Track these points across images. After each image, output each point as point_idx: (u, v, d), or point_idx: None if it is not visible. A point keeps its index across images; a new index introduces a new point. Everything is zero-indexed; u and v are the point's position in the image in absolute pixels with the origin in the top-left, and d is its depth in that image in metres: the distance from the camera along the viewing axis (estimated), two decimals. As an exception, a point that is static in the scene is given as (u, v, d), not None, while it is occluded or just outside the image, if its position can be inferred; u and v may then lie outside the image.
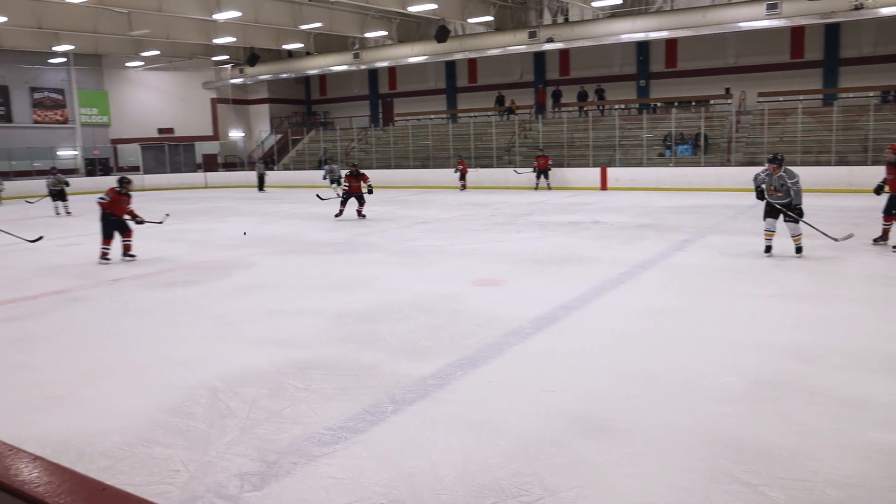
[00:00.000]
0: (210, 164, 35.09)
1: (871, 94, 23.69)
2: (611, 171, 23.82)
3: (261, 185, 28.63)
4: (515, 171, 24.62)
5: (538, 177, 23.82)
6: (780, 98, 24.64)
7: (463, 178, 25.72)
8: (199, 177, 32.72)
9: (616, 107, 28.38)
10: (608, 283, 8.14)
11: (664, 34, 23.74)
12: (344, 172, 16.79)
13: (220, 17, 23.62)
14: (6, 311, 7.59)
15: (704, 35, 23.58)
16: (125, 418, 4.38)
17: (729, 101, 25.75)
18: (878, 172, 10.56)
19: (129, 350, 5.93)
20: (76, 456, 3.83)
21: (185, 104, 35.36)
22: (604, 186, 23.55)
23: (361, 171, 15.98)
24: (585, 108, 28.60)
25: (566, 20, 26.44)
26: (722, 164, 23.01)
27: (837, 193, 19.20)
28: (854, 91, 24.35)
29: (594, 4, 23.20)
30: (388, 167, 29.74)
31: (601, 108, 28.52)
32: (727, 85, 26.13)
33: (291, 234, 13.80)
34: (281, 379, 4.97)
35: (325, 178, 23.65)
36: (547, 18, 27.17)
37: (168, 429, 4.20)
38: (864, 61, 24.59)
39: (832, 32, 24.75)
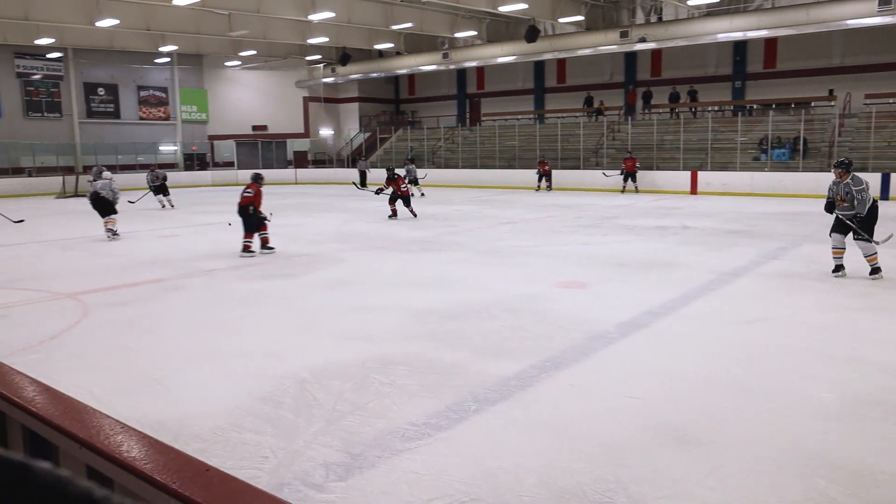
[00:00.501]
0: (300, 160, 36.06)
1: None
2: (702, 174, 23.10)
3: (363, 182, 28.85)
4: (604, 174, 24.04)
5: (625, 179, 23.24)
6: (891, 100, 23.28)
7: (545, 178, 25.46)
8: (289, 173, 33.67)
9: (709, 108, 27.51)
10: (697, 290, 7.91)
11: (763, 33, 22.80)
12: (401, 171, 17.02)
13: (314, 17, 24.22)
14: (110, 297, 8.02)
15: (807, 34, 22.52)
16: (218, 404, 4.56)
17: (832, 103, 24.52)
18: None
19: (223, 338, 6.16)
20: (172, 437, 4.01)
21: (278, 102, 36.46)
22: (694, 191, 22.88)
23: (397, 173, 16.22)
24: (677, 110, 27.86)
25: (660, 19, 25.82)
26: (822, 170, 21.92)
27: (950, 203, 18.00)
28: (972, 94, 22.79)
29: (690, 3, 22.53)
30: (474, 167, 29.80)
31: (693, 109, 27.70)
32: (830, 86, 24.90)
33: (378, 230, 14.02)
34: (366, 373, 5.06)
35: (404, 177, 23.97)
36: (639, 18, 26.59)
37: (258, 416, 4.35)
38: (984, 62, 22.97)
39: (949, 31, 23.22)
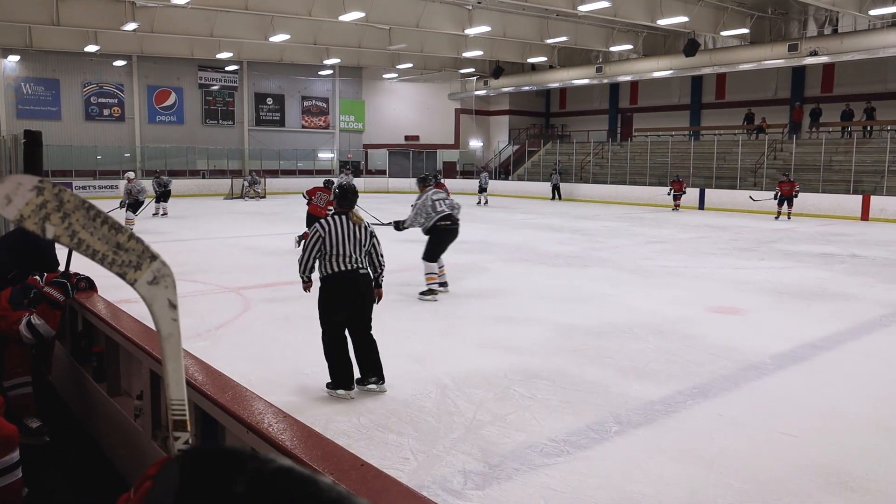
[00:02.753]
0: (449, 170, 36.77)
1: None
2: (875, 199, 21.24)
3: (557, 194, 29.04)
4: (751, 198, 22.31)
5: (780, 204, 20.76)
6: None
7: (678, 197, 24.21)
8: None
9: (888, 128, 25.30)
10: (866, 324, 7.29)
11: (958, 46, 20.68)
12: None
13: (471, 31, 24.69)
14: (270, 293, 8.56)
15: None
16: (364, 402, 4.74)
17: None
18: None
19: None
20: (321, 431, 4.20)
21: (430, 113, 37.44)
22: (865, 216, 21.08)
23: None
24: (850, 129, 25.83)
25: (834, 31, 24.09)
26: None
27: None
28: None
29: (871, 13, 20.86)
30: (623, 183, 29.11)
31: (869, 128, 25.56)
32: None
33: (524, 242, 14.03)
34: (507, 384, 5.08)
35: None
36: (811, 29, 24.96)
37: (401, 418, 4.48)
38: None
39: None
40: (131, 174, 16.28)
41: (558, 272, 10.46)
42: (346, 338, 4.89)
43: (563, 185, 29.46)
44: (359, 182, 33.96)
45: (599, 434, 4.23)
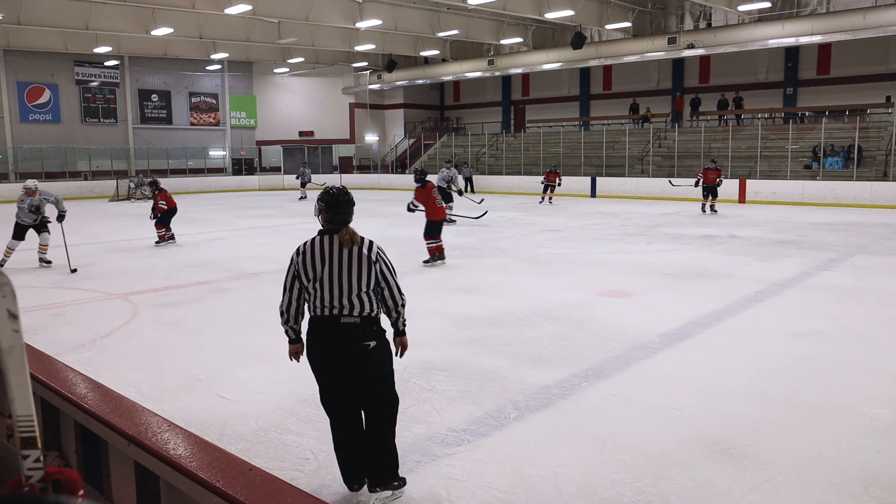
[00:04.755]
0: (346, 166, 36.44)
1: None
2: (750, 183, 22.63)
3: (471, 189, 28.04)
4: (671, 182, 21.54)
5: (706, 196, 18.62)
6: (950, 108, 22.54)
7: (549, 188, 22.59)
8: (334, 178, 34.07)
9: (759, 116, 26.97)
10: (744, 301, 7.76)
11: (817, 39, 22.25)
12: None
13: (362, 25, 24.50)
14: (159, 298, 8.22)
15: (863, 39, 21.92)
16: (261, 405, 4.64)
17: (889, 110, 23.82)
18: None
19: (267, 340, 6.26)
20: (216, 437, 4.09)
21: (324, 108, 36.94)
22: (742, 199, 22.43)
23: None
24: (725, 117, 27.38)
25: (709, 25, 25.44)
26: (877, 179, 21.33)
27: None
28: None
29: (740, 8, 22.16)
30: (518, 173, 29.72)
31: (741, 117, 27.19)
32: (888, 93, 24.20)
33: (420, 236, 14.05)
34: (406, 377, 5.09)
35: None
36: (688, 24, 26.25)
37: (300, 418, 4.41)
38: None
39: None
40: (33, 182, 10.52)
41: (454, 263, 10.56)
42: (350, 424, 3.44)
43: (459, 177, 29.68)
44: (252, 180, 33.13)
45: (498, 421, 4.30)
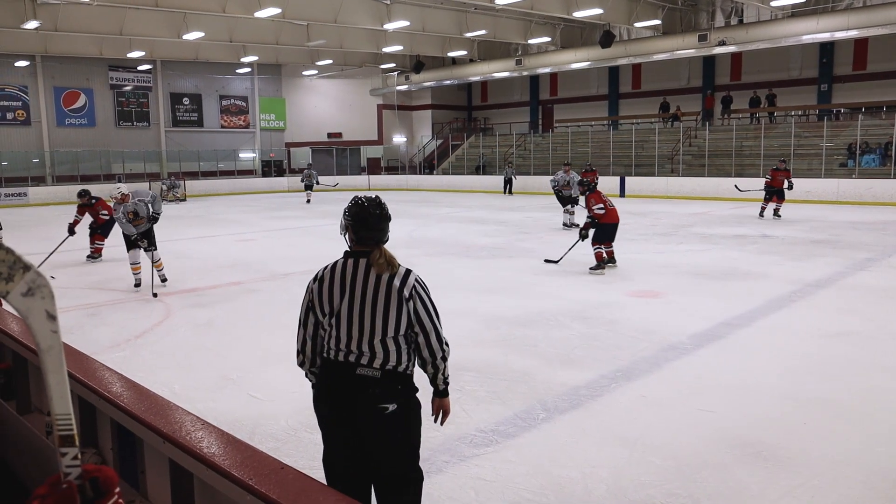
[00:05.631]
0: (373, 167, 36.63)
1: None
2: (739, 181, 22.16)
3: (509, 189, 28.25)
4: (737, 187, 19.07)
5: (770, 198, 16.58)
6: None
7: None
8: (363, 179, 34.26)
9: (792, 113, 26.53)
10: (777, 301, 7.64)
11: (853, 34, 21.79)
12: None
13: (390, 26, 24.60)
14: (192, 298, 8.34)
15: (900, 34, 21.43)
16: (291, 404, 4.68)
17: (926, 106, 23.28)
18: None
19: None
20: (248, 436, 4.14)
21: (352, 110, 37.17)
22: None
23: None
24: (757, 115, 26.99)
25: (740, 21, 25.08)
26: (915, 177, 20.86)
27: None
28: None
29: (773, 4, 21.79)
30: (546, 173, 29.56)
31: (773, 114, 26.77)
32: (925, 89, 23.66)
33: (449, 236, 14.09)
34: (435, 378, 5.10)
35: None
36: (719, 20, 25.90)
37: (330, 418, 4.44)
38: None
39: None
40: (118, 190, 8.83)
41: (483, 264, 10.56)
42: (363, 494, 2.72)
43: (485, 178, 29.66)
44: (282, 181, 33.39)
45: (527, 422, 4.29)
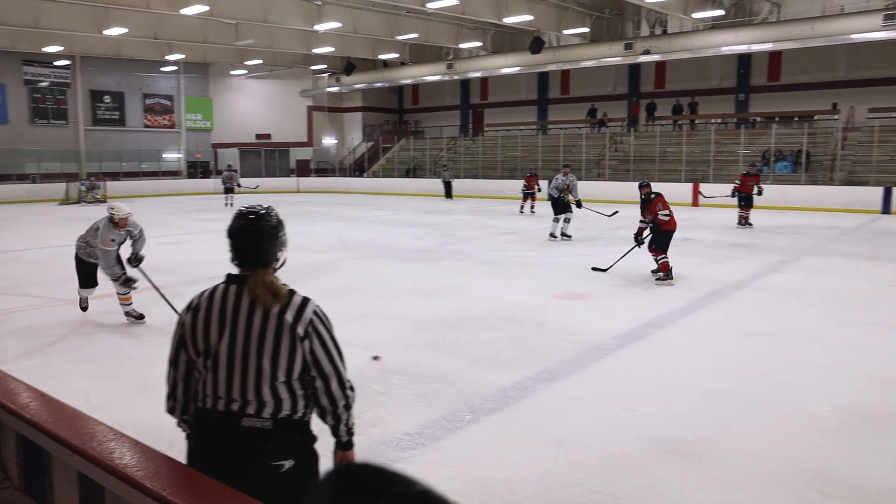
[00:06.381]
0: (303, 169, 36.17)
1: None
2: (703, 186, 23.06)
3: (449, 193, 27.51)
4: (702, 193, 19.26)
5: (742, 205, 15.85)
6: (894, 114, 23.30)
7: (530, 196, 20.00)
8: (292, 181, 33.78)
9: (712, 121, 27.54)
10: (697, 302, 7.91)
11: (768, 46, 22.84)
12: None
13: (320, 27, 24.35)
14: (109, 304, 8.03)
15: (812, 47, 22.55)
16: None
17: (836, 116, 24.52)
18: None
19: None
20: (167, 445, 4.00)
21: (282, 111, 36.63)
22: (695, 203, 22.84)
23: None
24: (679, 122, 27.91)
25: (664, 32, 25.88)
26: (824, 183, 21.95)
27: (953, 217, 18.01)
28: (976, 109, 22.81)
29: (694, 16, 22.59)
30: (476, 177, 29.84)
31: (694, 122, 27.75)
32: (834, 100, 24.89)
33: (378, 239, 14.03)
34: (362, 381, 5.06)
35: None
36: (644, 30, 26.67)
37: (254, 424, 4.35)
38: None
39: (954, 46, 23.23)
40: (123, 206, 7.05)
41: (413, 267, 10.56)
42: None
43: (415, 181, 29.63)
44: (208, 183, 32.56)
45: (453, 424, 4.31)
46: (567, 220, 13.68)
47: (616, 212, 13.60)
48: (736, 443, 4.02)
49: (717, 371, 5.36)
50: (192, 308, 2.19)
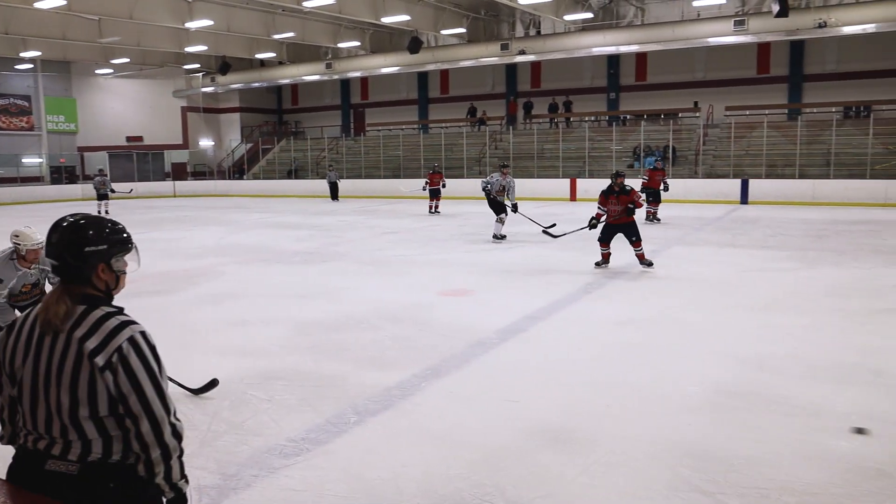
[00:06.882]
0: (179, 172, 34.73)
1: (833, 109, 24.24)
2: (580, 182, 24.00)
3: (335, 194, 26.57)
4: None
5: (651, 201, 15.58)
6: (747, 112, 25.08)
7: (436, 195, 19.82)
8: (167, 186, 32.36)
9: (586, 119, 28.68)
10: (575, 293, 8.19)
11: (634, 48, 24.09)
12: None
13: (192, 25, 23.46)
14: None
15: (674, 49, 23.94)
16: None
17: (697, 114, 26.14)
18: (840, 187, 10.68)
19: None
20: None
21: (154, 112, 35.00)
22: (573, 197, 23.72)
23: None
24: (556, 120, 28.88)
25: (538, 33, 26.68)
26: (690, 177, 23.34)
27: (801, 206, 19.57)
28: (817, 106, 24.90)
29: (566, 18, 23.44)
30: (359, 177, 29.70)
31: (569, 120, 28.82)
32: (695, 98, 26.53)
33: (260, 243, 13.68)
34: (243, 390, 4.92)
35: None
36: (519, 31, 27.39)
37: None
38: (827, 77, 25.13)
39: (797, 49, 25.27)
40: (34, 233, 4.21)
41: (296, 269, 10.37)
42: None
43: (298, 183, 29.15)
44: (75, 189, 30.63)
45: (338, 427, 4.25)
46: (500, 221, 13.05)
47: (554, 225, 12.29)
48: (613, 427, 4.18)
49: (596, 359, 5.56)
50: (9, 326, 1.92)
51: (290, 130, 36.96)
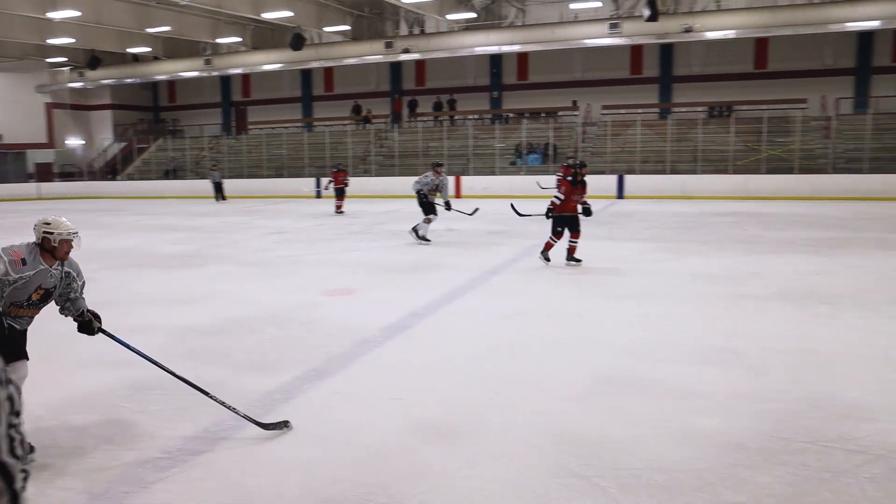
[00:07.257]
0: (44, 173, 32.56)
1: (699, 109, 25.76)
2: (465, 179, 24.35)
3: (220, 194, 25.34)
4: (539, 184, 19.64)
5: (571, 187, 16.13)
6: (622, 111, 26.23)
7: (340, 194, 19.25)
8: (30, 187, 30.27)
9: (470, 117, 29.11)
10: (459, 289, 8.30)
11: (516, 48, 24.68)
12: None
13: (55, 15, 22.03)
14: None
15: (553, 50, 24.74)
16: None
17: (576, 113, 27.09)
18: (706, 181, 11.38)
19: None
20: None
21: (14, 108, 32.59)
22: (458, 195, 24.02)
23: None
24: (440, 118, 29.15)
25: (422, 32, 26.84)
26: (570, 174, 24.15)
27: (672, 200, 20.69)
28: (685, 106, 26.38)
29: (449, 17, 23.69)
30: (241, 176, 28.87)
31: (453, 118, 29.18)
32: (574, 97, 27.47)
33: (135, 246, 13.04)
34: (114, 402, 4.68)
35: None
36: (403, 29, 27.45)
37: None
38: (694, 79, 26.69)
39: (667, 52, 26.67)
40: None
41: (174, 273, 9.95)
42: None
43: (177, 183, 28.05)
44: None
45: (217, 435, 4.12)
46: (428, 222, 12.61)
47: (477, 209, 13.82)
48: (497, 419, 4.26)
49: (480, 352, 5.65)
50: None
51: (168, 129, 35.41)
